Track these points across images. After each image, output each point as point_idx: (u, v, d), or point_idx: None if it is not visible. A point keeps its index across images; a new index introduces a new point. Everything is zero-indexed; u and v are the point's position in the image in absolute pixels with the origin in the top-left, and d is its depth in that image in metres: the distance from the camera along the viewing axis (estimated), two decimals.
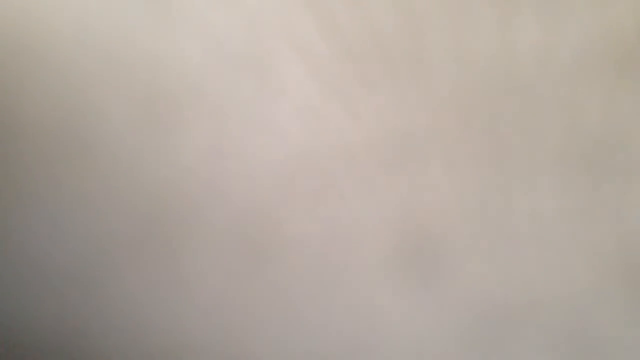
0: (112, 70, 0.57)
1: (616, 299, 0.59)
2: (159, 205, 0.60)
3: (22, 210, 0.62)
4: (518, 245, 0.58)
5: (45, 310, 0.65)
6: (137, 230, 0.61)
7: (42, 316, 0.65)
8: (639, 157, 0.54)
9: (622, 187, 0.55)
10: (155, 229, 0.61)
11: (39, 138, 0.60)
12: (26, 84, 0.59)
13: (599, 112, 0.54)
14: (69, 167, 0.60)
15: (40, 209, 0.62)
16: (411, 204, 0.58)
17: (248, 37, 0.55)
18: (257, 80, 0.56)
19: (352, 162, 0.57)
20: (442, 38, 0.53)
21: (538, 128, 0.55)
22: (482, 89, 0.54)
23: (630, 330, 0.59)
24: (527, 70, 0.54)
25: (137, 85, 0.58)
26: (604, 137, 0.54)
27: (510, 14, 0.52)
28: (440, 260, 0.59)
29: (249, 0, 0.54)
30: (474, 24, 0.53)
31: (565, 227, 0.57)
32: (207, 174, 0.59)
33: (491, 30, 0.53)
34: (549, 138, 0.55)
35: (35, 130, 0.60)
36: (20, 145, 0.60)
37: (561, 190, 0.56)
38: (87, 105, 0.59)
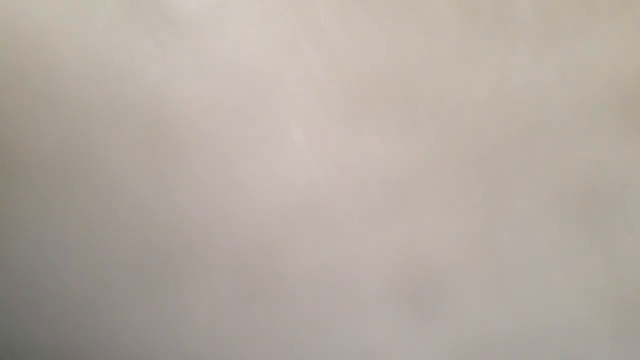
0: (115, 106, 0.57)
1: (607, 333, 0.59)
2: (159, 237, 0.61)
3: (22, 240, 0.62)
4: (514, 283, 0.59)
5: (45, 336, 0.65)
6: (136, 263, 0.62)
7: (41, 342, 0.65)
8: (635, 202, 0.55)
9: (616, 231, 0.56)
10: (156, 260, 0.61)
11: (41, 169, 0.60)
12: (28, 116, 0.59)
13: (597, 158, 0.54)
14: (72, 199, 0.60)
15: (41, 241, 0.62)
16: (410, 244, 0.58)
17: (253, 70, 0.55)
18: (262, 114, 0.56)
19: (354, 198, 0.58)
20: (438, 81, 0.54)
21: (535, 172, 0.55)
22: (480, 132, 0.55)
23: None
24: (524, 115, 0.54)
25: (140, 121, 0.58)
26: (601, 183, 0.55)
27: (508, 58, 0.53)
28: (438, 298, 0.60)
29: (254, 34, 0.54)
30: (470, 68, 0.53)
31: (560, 266, 0.58)
32: (209, 207, 0.59)
33: (488, 73, 0.53)
34: (546, 182, 0.55)
35: (37, 162, 0.60)
36: (22, 176, 0.60)
37: (558, 233, 0.57)
38: (89, 139, 0.59)
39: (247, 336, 0.62)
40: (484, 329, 0.60)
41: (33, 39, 0.56)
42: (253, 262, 0.60)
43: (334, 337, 0.61)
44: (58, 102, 0.58)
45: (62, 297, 0.63)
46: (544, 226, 0.57)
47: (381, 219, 0.58)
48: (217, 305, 0.62)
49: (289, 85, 0.55)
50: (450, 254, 0.58)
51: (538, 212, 0.56)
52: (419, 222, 0.58)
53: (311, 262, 0.59)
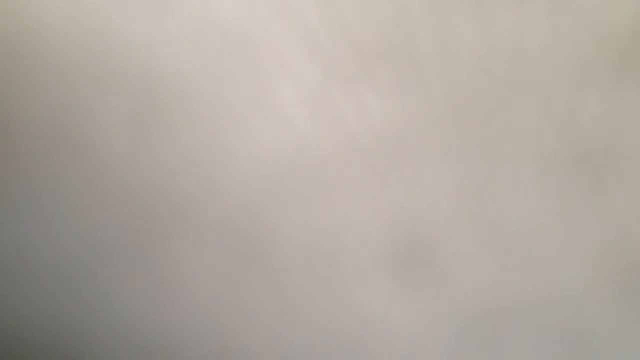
0: (100, 70, 0.57)
1: (610, 299, 0.59)
2: (148, 205, 0.60)
3: (10, 208, 0.62)
4: (511, 247, 0.58)
5: (36, 308, 0.65)
6: (126, 229, 0.61)
7: (32, 314, 0.65)
8: (632, 159, 0.54)
9: (615, 188, 0.55)
10: (145, 229, 0.61)
11: (31, 135, 0.60)
12: (12, 82, 0.58)
13: (593, 113, 0.53)
14: (58, 165, 0.60)
15: (28, 207, 0.61)
16: (404, 206, 0.58)
17: (246, 24, 0.54)
18: (254, 72, 0.56)
19: (344, 163, 0.57)
20: (433, 36, 0.53)
21: (531, 129, 0.54)
22: (474, 89, 0.54)
23: (624, 329, 0.59)
24: (518, 71, 0.53)
25: (126, 85, 0.57)
26: (598, 138, 0.54)
27: (499, 14, 0.52)
28: (433, 262, 0.59)
29: None
30: (466, 23, 0.53)
31: (557, 228, 0.57)
32: (198, 174, 0.59)
33: (483, 28, 0.53)
34: (542, 140, 0.55)
35: (28, 127, 0.60)
36: (8, 142, 0.60)
37: (554, 192, 0.56)
38: (77, 102, 0.58)
39: (239, 303, 0.62)
40: (479, 293, 0.59)
41: (16, 3, 0.56)
42: (244, 227, 0.59)
43: (327, 302, 0.61)
44: (43, 68, 0.58)
45: (49, 266, 0.63)
46: (539, 184, 0.56)
47: (374, 181, 0.57)
48: (208, 272, 0.61)
49: (277, 42, 0.54)
50: (444, 216, 0.57)
51: (533, 170, 0.56)
52: (413, 183, 0.57)
53: (303, 226, 0.59)
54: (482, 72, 0.54)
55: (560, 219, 0.57)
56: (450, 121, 0.55)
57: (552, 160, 0.55)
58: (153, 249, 0.61)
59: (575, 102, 0.53)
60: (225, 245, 0.60)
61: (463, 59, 0.53)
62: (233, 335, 0.63)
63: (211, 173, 0.58)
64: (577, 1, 0.51)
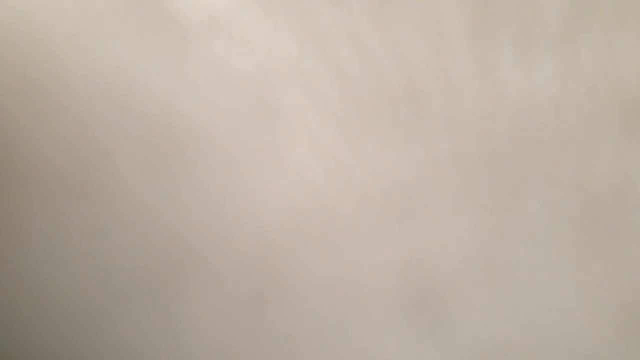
0: (122, 114, 0.58)
1: (616, 345, 0.59)
2: (163, 249, 0.61)
3: (29, 251, 0.62)
4: (521, 294, 0.58)
5: (51, 347, 0.65)
6: (141, 272, 0.62)
7: (45, 347, 0.66)
8: (638, 211, 0.55)
9: (626, 239, 0.56)
10: (160, 272, 0.62)
11: (47, 178, 0.60)
12: (35, 123, 0.59)
13: (604, 167, 0.54)
14: (78, 208, 0.61)
15: (44, 250, 0.62)
16: (416, 253, 0.58)
17: (260, 81, 0.55)
18: (268, 125, 0.56)
19: (360, 209, 0.58)
20: (441, 94, 0.54)
21: (541, 182, 0.55)
22: (486, 142, 0.55)
23: None
24: (531, 124, 0.54)
25: (147, 129, 0.58)
26: (610, 190, 0.54)
27: (514, 68, 0.53)
28: (445, 308, 0.59)
29: (261, 45, 0.55)
30: (477, 78, 0.53)
31: (569, 277, 0.57)
32: (214, 220, 0.59)
33: (494, 83, 0.53)
34: (554, 191, 0.55)
35: (44, 171, 0.60)
36: (26, 186, 0.61)
37: (566, 242, 0.56)
38: (95, 147, 0.59)
39: (252, 346, 0.62)
40: (491, 339, 0.59)
41: (41, 46, 0.57)
42: (258, 271, 0.60)
43: (340, 347, 0.61)
44: (65, 110, 0.58)
45: (66, 304, 0.63)
46: (551, 235, 0.56)
47: (387, 229, 0.58)
48: (222, 313, 0.62)
49: (293, 97, 0.55)
50: (456, 264, 0.58)
51: (544, 222, 0.56)
52: (425, 231, 0.58)
53: (317, 271, 0.59)
54: (491, 127, 0.54)
55: (572, 268, 0.57)
56: (458, 174, 0.56)
57: (564, 211, 0.55)
58: (167, 292, 0.62)
59: (586, 156, 0.54)
60: (239, 290, 0.61)
61: (472, 115, 0.54)
62: None
63: (227, 221, 0.59)
64: (587, 58, 0.52)
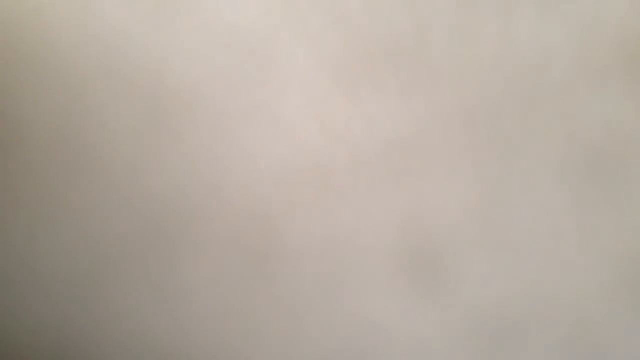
0: (113, 73, 0.57)
1: (619, 305, 0.58)
2: (159, 210, 0.60)
3: (20, 216, 0.61)
4: (521, 251, 0.57)
5: (42, 316, 0.64)
6: (136, 237, 0.61)
7: (39, 323, 0.65)
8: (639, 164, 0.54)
9: (624, 192, 0.55)
10: (156, 237, 0.61)
11: (38, 143, 0.59)
12: (26, 87, 0.58)
13: (602, 118, 0.53)
14: (69, 172, 0.60)
15: (39, 215, 0.61)
16: (413, 209, 0.57)
17: (254, 33, 0.54)
18: (262, 79, 0.55)
19: (356, 165, 0.57)
20: (445, 43, 0.53)
21: (540, 133, 0.54)
22: (483, 93, 0.54)
23: (633, 335, 0.59)
24: (528, 74, 0.53)
25: (138, 88, 0.57)
26: (607, 143, 0.54)
27: (512, 15, 0.52)
28: (443, 267, 0.58)
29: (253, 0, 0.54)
30: (473, 27, 0.52)
31: (571, 232, 0.56)
32: (209, 179, 0.58)
33: (491, 32, 0.52)
34: (552, 143, 0.54)
35: (35, 135, 0.59)
36: (20, 150, 0.60)
37: (567, 195, 0.55)
38: (88, 109, 0.58)
39: (247, 312, 0.61)
40: (491, 297, 0.58)
41: (31, 7, 0.56)
42: (253, 233, 0.59)
43: (338, 308, 0.60)
44: (55, 72, 0.57)
45: (58, 273, 0.62)
46: (551, 187, 0.55)
47: (383, 185, 0.57)
48: (216, 281, 0.60)
49: (288, 48, 0.54)
50: (455, 219, 0.57)
51: (544, 173, 0.55)
52: (422, 187, 0.56)
53: (313, 231, 0.58)
54: (494, 76, 0.53)
55: (574, 222, 0.56)
56: (460, 127, 0.55)
57: (565, 163, 0.55)
58: (160, 259, 0.61)
59: (587, 107, 0.53)
60: (233, 255, 0.60)
61: (472, 64, 0.53)
62: (242, 343, 0.62)
63: (220, 182, 0.58)
64: (591, 6, 0.51)
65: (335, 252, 0.59)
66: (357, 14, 0.53)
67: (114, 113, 0.58)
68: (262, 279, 0.60)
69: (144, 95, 0.57)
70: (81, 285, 0.62)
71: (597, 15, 0.51)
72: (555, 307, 0.59)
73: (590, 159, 0.54)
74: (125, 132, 0.58)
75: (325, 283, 0.60)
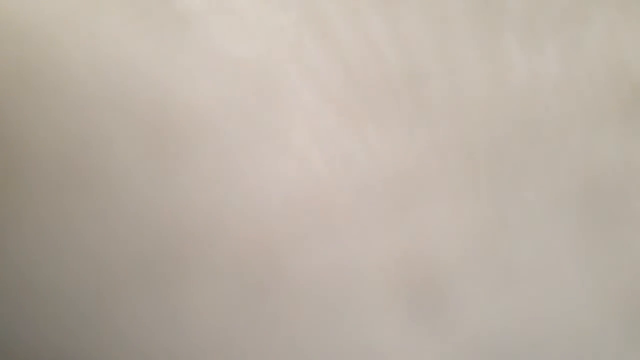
0: (120, 102, 0.57)
1: (618, 338, 0.59)
2: (160, 238, 0.60)
3: (20, 239, 0.62)
4: (522, 285, 0.58)
5: (42, 336, 0.65)
6: (137, 262, 0.61)
7: (38, 342, 0.65)
8: None
9: (630, 228, 0.55)
10: (156, 262, 0.61)
11: (40, 166, 0.60)
12: (32, 111, 0.59)
13: (606, 154, 0.54)
14: (72, 196, 0.60)
15: (38, 238, 0.61)
16: (415, 242, 0.58)
17: (259, 67, 0.55)
18: (267, 113, 0.56)
19: (360, 197, 0.57)
20: (442, 77, 0.54)
21: (544, 169, 0.55)
22: (485, 129, 0.54)
23: None
24: (531, 111, 0.54)
25: (144, 115, 0.58)
26: (612, 178, 0.54)
27: (514, 54, 0.53)
28: (444, 297, 0.59)
29: (260, 31, 0.54)
30: (478, 65, 0.53)
31: (571, 267, 0.57)
32: (212, 208, 0.59)
33: (495, 70, 0.53)
34: (556, 179, 0.55)
35: (36, 158, 0.60)
36: (20, 172, 0.60)
37: (567, 231, 0.56)
38: (92, 134, 0.59)
39: (250, 336, 0.62)
40: (490, 330, 0.59)
41: (39, 32, 0.57)
42: (257, 261, 0.59)
43: (338, 337, 0.60)
44: (63, 97, 0.58)
45: (61, 293, 0.63)
46: (552, 224, 0.56)
47: (386, 218, 0.57)
48: (221, 304, 0.61)
49: (293, 82, 0.55)
50: (456, 253, 0.58)
51: (545, 210, 0.56)
52: (424, 220, 0.57)
53: (316, 261, 0.59)
54: (493, 112, 0.54)
55: (574, 257, 0.57)
56: (460, 161, 0.55)
57: (566, 199, 0.55)
58: (164, 281, 0.61)
59: (589, 143, 0.54)
60: (237, 280, 0.60)
61: (473, 101, 0.54)
62: None
63: (225, 208, 0.58)
64: (590, 43, 0.52)
65: (336, 282, 0.59)
66: (360, 52, 0.53)
67: (120, 137, 0.58)
68: (262, 305, 0.61)
69: (149, 123, 0.58)
70: (80, 309, 0.63)
71: (602, 52, 0.52)
72: (556, 336, 0.59)
73: (592, 196, 0.55)
74: (131, 156, 0.59)
75: (326, 312, 0.60)
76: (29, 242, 0.61)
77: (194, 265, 0.60)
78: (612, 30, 0.51)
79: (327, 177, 0.56)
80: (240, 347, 0.62)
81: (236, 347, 0.62)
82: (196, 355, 0.63)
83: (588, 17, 0.51)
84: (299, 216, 0.58)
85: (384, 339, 0.60)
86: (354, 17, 0.53)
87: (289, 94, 0.55)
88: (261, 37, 0.54)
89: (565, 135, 0.54)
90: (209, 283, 0.60)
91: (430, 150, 0.55)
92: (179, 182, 0.58)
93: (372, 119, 0.55)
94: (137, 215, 0.60)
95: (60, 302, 0.63)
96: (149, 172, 0.58)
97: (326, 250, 0.58)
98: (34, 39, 0.57)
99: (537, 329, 0.59)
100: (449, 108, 0.54)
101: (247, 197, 0.58)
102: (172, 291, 0.61)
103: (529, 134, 0.54)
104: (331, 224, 0.58)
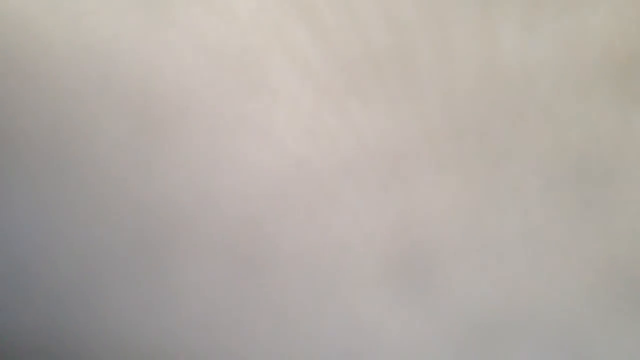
0: (105, 81, 0.57)
1: (609, 310, 0.59)
2: (150, 217, 0.61)
3: (13, 219, 0.62)
4: (509, 257, 0.58)
5: (33, 319, 0.65)
6: (128, 241, 0.61)
7: (28, 327, 0.66)
8: (628, 173, 0.54)
9: (608, 201, 0.55)
10: (147, 241, 0.61)
11: (30, 147, 0.60)
12: (15, 96, 0.59)
13: (589, 130, 0.53)
14: (60, 176, 0.60)
15: (30, 218, 0.62)
16: (402, 219, 0.58)
17: (242, 46, 0.54)
18: (251, 91, 0.56)
19: (345, 174, 0.57)
20: (430, 51, 0.53)
21: (527, 143, 0.54)
22: (472, 102, 0.54)
23: (622, 339, 0.59)
24: (516, 87, 0.53)
25: (130, 95, 0.57)
26: (594, 152, 0.54)
27: (499, 30, 0.52)
28: (431, 274, 0.59)
29: (243, 10, 0.54)
30: (461, 40, 0.52)
31: (554, 239, 0.57)
32: (199, 186, 0.59)
33: (479, 46, 0.53)
34: (543, 154, 0.55)
35: (27, 140, 0.60)
36: (12, 154, 0.60)
37: (554, 205, 0.56)
38: (79, 114, 0.59)
39: (238, 318, 0.62)
40: (477, 305, 0.59)
41: (20, 13, 0.56)
42: (243, 241, 0.60)
43: (327, 315, 0.61)
44: (46, 81, 0.58)
45: (49, 282, 0.63)
46: (538, 199, 0.56)
47: (372, 194, 0.57)
48: (208, 284, 0.61)
49: (277, 62, 0.54)
50: (443, 231, 0.58)
51: (531, 182, 0.56)
52: (411, 197, 0.57)
53: (301, 243, 0.59)
54: (482, 87, 0.54)
55: (560, 231, 0.57)
56: (446, 137, 0.55)
57: (551, 172, 0.55)
58: (153, 262, 0.62)
59: (576, 120, 0.53)
60: (225, 259, 0.61)
61: (461, 76, 0.53)
62: (233, 347, 0.63)
63: (211, 188, 0.59)
64: (579, 22, 0.51)
65: (324, 258, 0.59)
66: (344, 29, 0.53)
67: (106, 118, 0.58)
68: (252, 284, 0.61)
69: (134, 104, 0.58)
70: (71, 289, 0.63)
71: (582, 30, 0.51)
72: (542, 311, 0.59)
73: (576, 169, 0.54)
74: (118, 137, 0.59)
75: (315, 288, 0.60)
76: (19, 221, 0.62)
77: (183, 244, 0.60)
78: (603, 9, 0.51)
79: (311, 156, 0.56)
80: (231, 322, 0.63)
81: (227, 322, 0.63)
82: (187, 331, 0.63)
83: None
84: (285, 194, 0.58)
85: (372, 316, 0.60)
86: None
87: (272, 74, 0.55)
88: (244, 19, 0.54)
89: (552, 112, 0.53)
90: (199, 260, 0.61)
91: (417, 127, 0.55)
92: (162, 163, 0.58)
93: (355, 96, 0.54)
94: (121, 197, 0.60)
95: (43, 285, 0.63)
96: (134, 152, 0.58)
97: (313, 226, 0.58)
98: (15, 20, 0.56)
99: (523, 303, 0.59)
100: (436, 84, 0.54)
101: (233, 176, 0.58)
102: (162, 268, 0.61)
103: (515, 109, 0.54)
104: (316, 203, 0.58)
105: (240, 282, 0.61)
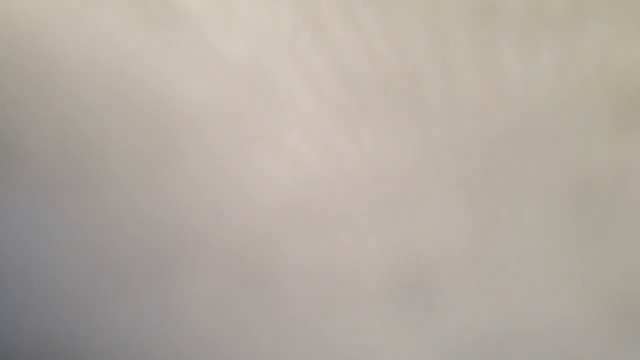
0: (115, 96, 0.58)
1: (604, 332, 0.60)
2: (157, 232, 0.61)
3: (19, 233, 0.62)
4: (511, 281, 0.59)
5: (34, 332, 0.65)
6: (132, 258, 0.62)
7: (31, 338, 0.66)
8: (635, 203, 0.55)
9: (616, 231, 0.56)
10: (153, 255, 0.62)
11: (37, 162, 0.60)
12: (25, 112, 0.59)
13: (598, 159, 0.54)
14: (68, 190, 0.61)
15: (36, 232, 0.62)
16: (406, 243, 0.58)
17: (255, 64, 0.55)
18: (263, 109, 0.56)
19: (354, 194, 0.58)
20: (437, 85, 0.54)
21: (535, 172, 0.55)
22: (478, 133, 0.55)
23: None
24: (524, 116, 0.54)
25: (140, 110, 0.58)
26: (601, 182, 0.55)
27: (502, 50, 0.53)
28: (434, 296, 0.60)
29: (254, 28, 0.54)
30: (472, 70, 0.53)
31: (558, 267, 0.58)
32: (207, 205, 0.59)
33: (483, 67, 0.53)
34: (546, 182, 0.55)
35: (34, 154, 0.60)
36: (19, 168, 0.61)
37: (556, 232, 0.57)
38: (89, 130, 0.59)
39: (241, 335, 0.62)
40: (480, 326, 0.60)
41: (34, 33, 0.56)
42: (248, 261, 0.60)
43: (329, 335, 0.61)
44: (56, 98, 0.58)
45: (54, 295, 0.63)
46: (543, 226, 0.57)
47: (378, 217, 0.58)
48: (211, 304, 0.62)
49: (288, 82, 0.55)
50: (446, 252, 0.58)
51: (537, 212, 0.56)
52: (417, 219, 0.58)
53: (306, 261, 0.60)
54: (487, 114, 0.54)
55: (563, 258, 0.57)
56: (452, 163, 0.56)
57: (557, 201, 0.56)
58: (160, 277, 0.62)
59: (580, 148, 0.54)
60: (230, 276, 0.61)
61: (468, 104, 0.54)
62: None
63: (218, 205, 0.59)
64: (584, 49, 0.52)
65: (328, 278, 0.60)
66: (356, 56, 0.54)
67: (115, 133, 0.59)
68: (256, 300, 0.61)
69: (144, 119, 0.58)
70: (74, 301, 0.63)
71: (596, 58, 0.52)
72: (542, 334, 0.60)
73: (582, 200, 0.55)
74: (127, 152, 0.59)
75: (318, 307, 0.61)
76: (25, 235, 0.62)
77: (183, 265, 0.61)
78: (607, 37, 0.51)
79: (320, 176, 0.57)
80: (232, 338, 0.63)
81: (228, 338, 0.63)
82: (189, 346, 0.64)
83: (583, 24, 0.51)
84: (291, 214, 0.58)
85: (374, 337, 0.61)
86: (350, 19, 0.53)
87: (284, 94, 0.55)
88: (257, 37, 0.54)
89: (558, 140, 0.54)
90: (203, 278, 0.61)
91: (423, 151, 0.56)
92: (170, 182, 0.59)
93: (366, 120, 0.55)
94: (128, 214, 0.60)
95: (58, 295, 0.63)
96: (143, 168, 0.59)
97: (318, 247, 0.59)
98: (30, 36, 0.57)
99: (524, 326, 0.60)
100: (443, 110, 0.55)
101: (241, 195, 0.58)
102: (167, 286, 0.62)
103: (521, 138, 0.54)
104: (324, 222, 0.58)
105: (245, 299, 0.61)
